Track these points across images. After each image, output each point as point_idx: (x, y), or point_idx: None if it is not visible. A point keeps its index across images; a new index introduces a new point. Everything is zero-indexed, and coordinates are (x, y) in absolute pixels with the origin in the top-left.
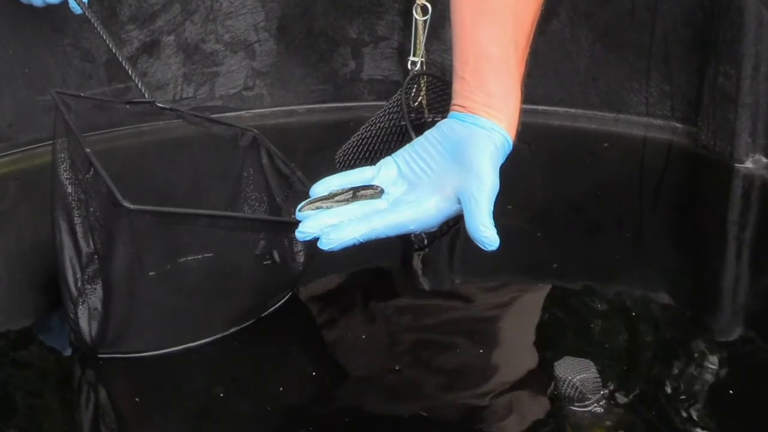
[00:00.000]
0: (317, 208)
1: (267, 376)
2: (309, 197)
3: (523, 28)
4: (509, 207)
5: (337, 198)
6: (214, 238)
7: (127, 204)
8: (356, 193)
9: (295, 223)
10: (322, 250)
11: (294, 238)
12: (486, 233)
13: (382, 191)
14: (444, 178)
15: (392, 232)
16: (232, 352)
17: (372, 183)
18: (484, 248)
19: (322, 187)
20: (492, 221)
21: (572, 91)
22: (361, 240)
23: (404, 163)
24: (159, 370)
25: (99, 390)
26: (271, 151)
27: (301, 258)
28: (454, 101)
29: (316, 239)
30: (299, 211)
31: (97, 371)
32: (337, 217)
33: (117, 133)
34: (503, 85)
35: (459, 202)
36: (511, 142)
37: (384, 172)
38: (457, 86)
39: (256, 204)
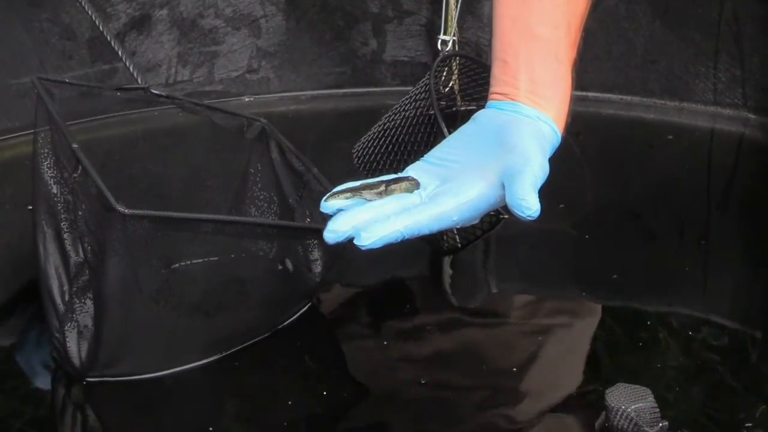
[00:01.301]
0: (347, 198)
1: (280, 396)
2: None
3: (578, 8)
4: (561, 206)
5: (366, 191)
6: (218, 245)
7: (121, 208)
8: (388, 186)
9: (313, 229)
10: (360, 249)
11: (310, 245)
12: (525, 196)
13: (417, 183)
14: (486, 163)
15: (436, 226)
16: (240, 370)
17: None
18: (523, 216)
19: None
20: (535, 190)
21: (628, 75)
22: (406, 235)
23: (437, 160)
24: (156, 395)
25: (87, 419)
26: (282, 144)
27: (318, 267)
28: (492, 88)
29: (349, 240)
30: (325, 201)
31: (84, 397)
32: (372, 211)
33: (104, 121)
34: (552, 70)
35: (504, 188)
36: (559, 135)
37: (414, 171)
38: (497, 71)
39: (265, 205)
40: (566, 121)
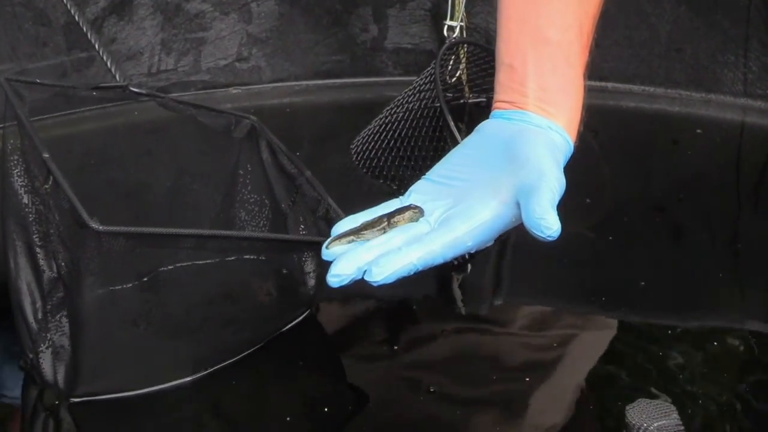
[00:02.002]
0: (349, 242)
1: (274, 414)
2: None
3: (590, 8)
4: (577, 207)
5: (367, 231)
6: (204, 257)
7: (95, 225)
8: (390, 219)
9: (307, 242)
10: (372, 285)
11: (304, 256)
12: (543, 215)
13: (421, 211)
14: (497, 180)
15: (450, 253)
16: (231, 386)
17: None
18: (542, 237)
19: (341, 228)
20: (553, 207)
21: (651, 64)
22: (419, 267)
23: (441, 178)
24: (140, 414)
25: None
26: (274, 144)
27: (312, 281)
28: (498, 96)
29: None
30: (326, 249)
31: (61, 416)
32: (377, 249)
33: (81, 115)
34: (562, 76)
35: (519, 206)
36: (571, 144)
37: (417, 194)
38: (503, 77)
39: (256, 209)
40: (579, 129)
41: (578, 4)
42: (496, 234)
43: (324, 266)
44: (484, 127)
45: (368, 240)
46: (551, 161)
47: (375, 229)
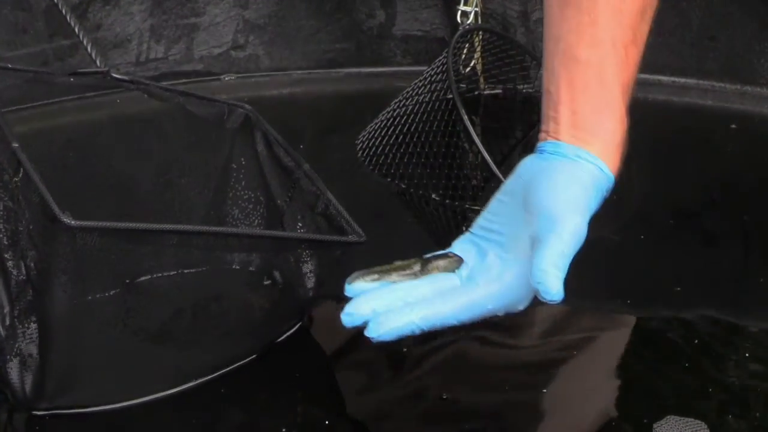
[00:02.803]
0: (374, 281)
1: (269, 425)
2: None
3: (624, 20)
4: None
5: (396, 273)
6: (192, 255)
7: (67, 219)
8: (426, 265)
9: (302, 240)
10: (371, 341)
11: (301, 256)
12: (542, 277)
13: (459, 260)
14: (520, 236)
15: (465, 316)
16: (217, 402)
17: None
18: (540, 297)
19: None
20: (557, 266)
21: (681, 54)
22: (423, 328)
23: (481, 230)
24: (117, 429)
25: None
26: (269, 135)
27: (310, 282)
28: (540, 127)
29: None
30: (349, 284)
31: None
32: (398, 295)
33: (60, 106)
34: (595, 97)
35: None
36: (609, 172)
37: (458, 248)
38: (544, 104)
39: (251, 206)
40: (622, 154)
41: (608, 16)
42: (525, 296)
43: (322, 267)
44: (519, 167)
45: (394, 282)
46: (569, 205)
47: (405, 273)
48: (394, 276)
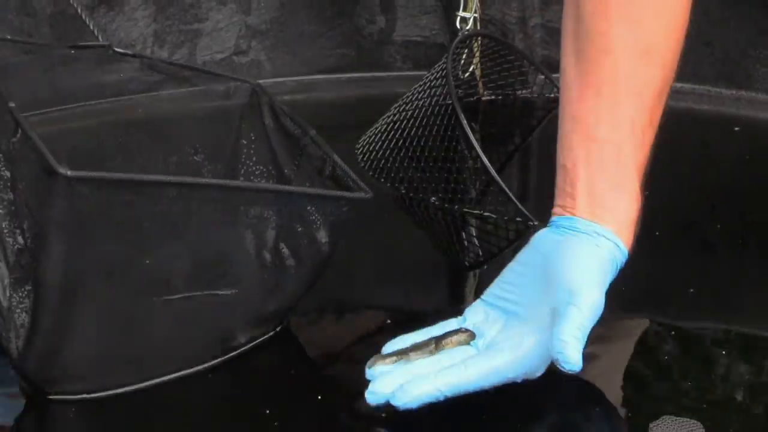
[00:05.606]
0: (392, 362)
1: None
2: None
3: (643, 103)
4: None
5: (414, 352)
6: (194, 224)
7: (63, 170)
8: (439, 342)
9: (312, 195)
10: (396, 408)
11: (309, 222)
12: (563, 348)
13: (472, 335)
14: (539, 306)
15: (486, 383)
16: (206, 391)
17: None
18: (559, 366)
19: (390, 348)
20: (577, 337)
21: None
22: (447, 394)
23: (495, 299)
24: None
25: None
26: (276, 107)
27: (324, 240)
28: (555, 201)
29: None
30: (369, 368)
31: (37, 416)
32: (420, 368)
33: (70, 112)
34: (612, 176)
35: None
36: (624, 249)
37: (472, 316)
38: (558, 179)
39: (262, 181)
40: (635, 231)
41: (630, 100)
42: (543, 363)
43: (332, 232)
44: (534, 240)
45: (413, 361)
46: (588, 279)
47: (421, 351)
48: (411, 355)
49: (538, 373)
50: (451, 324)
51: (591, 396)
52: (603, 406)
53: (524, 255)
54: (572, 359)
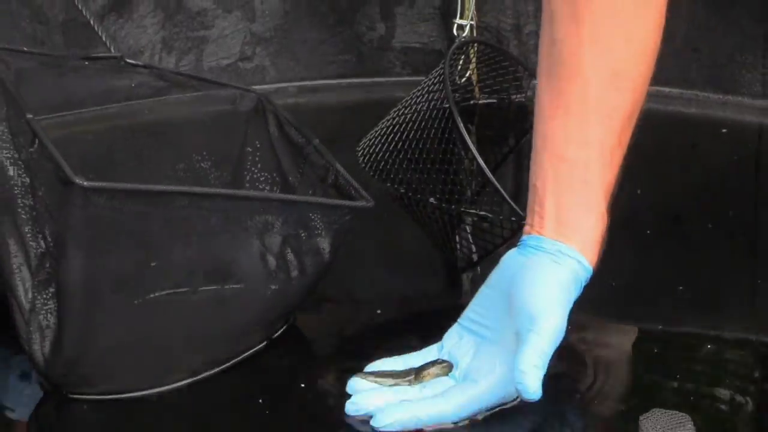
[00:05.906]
0: (371, 383)
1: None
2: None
3: (612, 125)
4: None
5: (395, 379)
6: (203, 231)
7: (80, 181)
8: (419, 374)
9: (315, 203)
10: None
11: (312, 229)
12: (521, 378)
13: (450, 366)
14: (506, 330)
15: (465, 413)
16: (212, 397)
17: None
18: (521, 396)
19: (374, 367)
20: (537, 365)
21: (665, 64)
22: (428, 424)
23: (469, 323)
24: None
25: None
26: (280, 116)
27: (326, 249)
28: (526, 220)
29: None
30: (351, 381)
31: (57, 415)
32: (401, 394)
33: (78, 116)
34: (579, 196)
35: None
36: (588, 267)
37: (448, 341)
38: (529, 198)
39: (267, 188)
40: (600, 249)
41: (599, 122)
42: (514, 393)
43: (334, 240)
44: (503, 261)
45: (392, 387)
46: (547, 303)
47: (400, 379)
48: (391, 381)
49: (515, 400)
50: (431, 351)
51: (580, 389)
52: (593, 399)
53: (493, 277)
54: (531, 389)
